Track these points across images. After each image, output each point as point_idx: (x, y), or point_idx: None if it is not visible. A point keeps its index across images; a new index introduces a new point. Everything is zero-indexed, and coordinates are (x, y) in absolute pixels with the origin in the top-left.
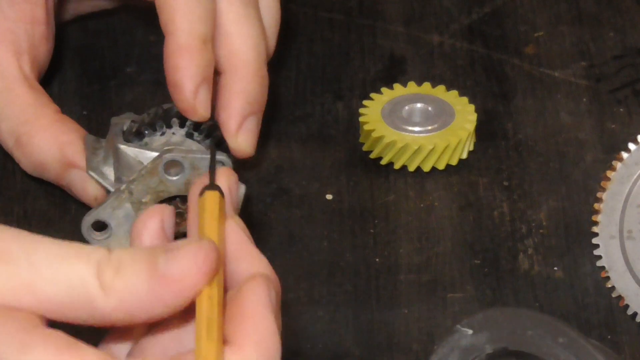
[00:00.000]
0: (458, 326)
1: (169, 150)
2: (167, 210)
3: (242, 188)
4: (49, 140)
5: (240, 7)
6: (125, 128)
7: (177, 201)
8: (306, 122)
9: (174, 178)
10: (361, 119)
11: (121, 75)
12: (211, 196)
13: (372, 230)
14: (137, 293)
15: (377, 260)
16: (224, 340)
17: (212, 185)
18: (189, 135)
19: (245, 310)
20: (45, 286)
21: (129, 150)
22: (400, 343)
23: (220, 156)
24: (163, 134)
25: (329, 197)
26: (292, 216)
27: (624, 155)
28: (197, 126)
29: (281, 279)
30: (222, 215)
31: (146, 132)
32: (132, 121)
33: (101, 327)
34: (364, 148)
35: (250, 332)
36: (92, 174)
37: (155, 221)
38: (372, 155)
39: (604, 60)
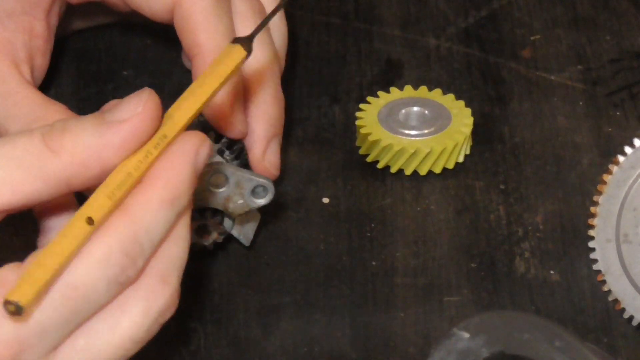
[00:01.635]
0: (455, 329)
1: (219, 162)
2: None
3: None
4: None
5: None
6: None
7: (208, 213)
8: (303, 126)
9: (217, 190)
10: (358, 122)
11: (118, 79)
12: (238, 51)
13: (368, 234)
14: (86, 142)
15: (374, 263)
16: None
17: (245, 42)
18: (220, 152)
19: (164, 157)
20: (4, 188)
21: None
22: (396, 346)
23: (263, 180)
24: None
25: (326, 200)
26: (289, 219)
27: (621, 158)
28: (230, 145)
29: (278, 282)
30: (232, 75)
31: None
32: None
33: (60, 194)
34: (361, 151)
35: (159, 175)
36: None
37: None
38: (369, 159)
39: (601, 64)
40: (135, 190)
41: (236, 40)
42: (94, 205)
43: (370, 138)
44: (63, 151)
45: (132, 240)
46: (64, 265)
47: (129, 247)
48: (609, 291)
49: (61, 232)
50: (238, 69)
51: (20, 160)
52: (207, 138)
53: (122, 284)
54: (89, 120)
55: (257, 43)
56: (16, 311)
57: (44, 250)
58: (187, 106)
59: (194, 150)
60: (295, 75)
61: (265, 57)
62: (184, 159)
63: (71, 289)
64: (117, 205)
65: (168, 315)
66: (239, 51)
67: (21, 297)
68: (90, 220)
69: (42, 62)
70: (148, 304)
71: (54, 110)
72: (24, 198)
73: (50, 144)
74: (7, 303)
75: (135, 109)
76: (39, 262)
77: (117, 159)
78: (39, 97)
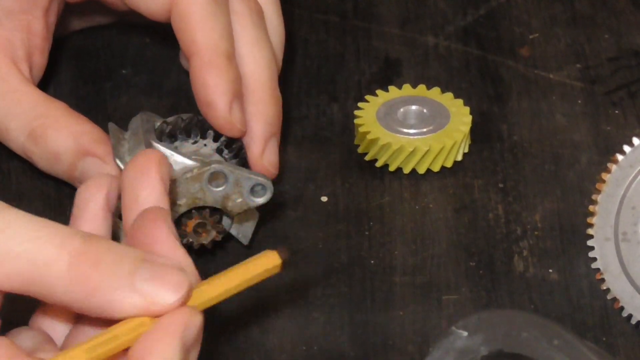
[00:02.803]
0: (453, 328)
1: (218, 161)
2: (114, 185)
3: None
4: (64, 131)
5: (252, 30)
6: (156, 127)
7: (206, 212)
8: (301, 124)
9: (215, 189)
10: (356, 121)
11: (116, 77)
12: (272, 259)
13: (367, 232)
14: (106, 294)
15: (372, 262)
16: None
17: (286, 254)
18: (219, 151)
19: (155, 331)
20: (13, 262)
21: (162, 150)
22: (395, 345)
23: (262, 179)
24: (195, 142)
25: (324, 199)
26: (287, 218)
27: (619, 157)
28: (229, 143)
29: (276, 281)
30: (259, 279)
31: (179, 136)
32: (164, 122)
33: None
34: (359, 150)
35: (149, 351)
36: (119, 162)
37: (102, 194)
38: (367, 157)
39: (599, 62)
40: None
41: (278, 250)
42: (69, 355)
43: (369, 136)
44: (81, 283)
45: None
46: None
47: None
48: (608, 290)
49: None
50: (266, 276)
51: (36, 269)
52: (197, 312)
53: None
54: (123, 268)
55: (254, 42)
56: None
57: None
58: (199, 292)
59: (182, 325)
60: (293, 73)
61: (262, 56)
62: (174, 335)
63: None
64: None
65: None
66: (274, 259)
67: None
68: None
69: (40, 60)
70: None
71: (55, 108)
72: (24, 292)
73: (75, 271)
74: None
75: (170, 296)
76: None
77: (121, 318)
78: (39, 95)
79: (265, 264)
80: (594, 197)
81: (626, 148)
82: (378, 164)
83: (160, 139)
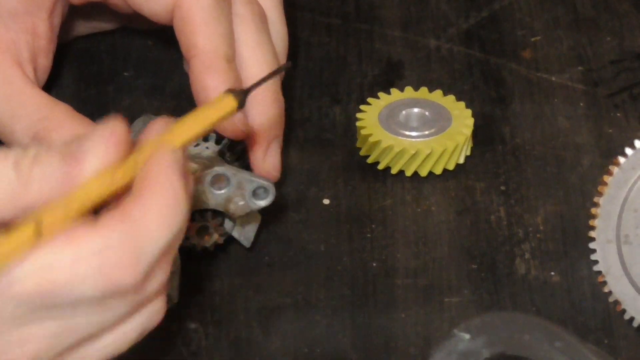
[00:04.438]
0: (455, 330)
1: (221, 164)
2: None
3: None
4: (68, 133)
5: (255, 34)
6: None
7: (209, 215)
8: (303, 127)
9: (217, 192)
10: (358, 123)
11: (119, 80)
12: (229, 102)
13: (369, 235)
14: (53, 177)
15: (374, 264)
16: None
17: (239, 94)
18: (221, 154)
19: (149, 169)
20: None
21: None
22: (397, 347)
23: (264, 181)
24: (197, 145)
25: (326, 201)
26: (289, 220)
27: (621, 159)
28: (231, 146)
29: (278, 283)
30: (217, 124)
31: None
32: None
33: (24, 216)
34: (361, 152)
35: (151, 184)
36: None
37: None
38: (369, 160)
39: (602, 65)
40: (132, 199)
41: (232, 91)
42: (45, 212)
43: (371, 139)
44: (31, 181)
45: (133, 241)
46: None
47: (129, 248)
48: (610, 292)
49: (4, 236)
50: (225, 119)
51: None
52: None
53: (118, 293)
54: (57, 150)
55: (256, 45)
56: None
57: None
58: (161, 141)
59: (173, 157)
60: (295, 75)
61: (265, 59)
62: (172, 168)
63: (45, 278)
64: (70, 216)
65: (156, 324)
66: (230, 102)
67: None
68: (38, 226)
69: (45, 62)
70: (141, 319)
71: (59, 110)
72: None
73: (20, 171)
74: None
75: (101, 140)
76: None
77: None
78: (44, 97)
79: (219, 109)
80: (595, 199)
81: (628, 150)
82: (380, 167)
83: None
